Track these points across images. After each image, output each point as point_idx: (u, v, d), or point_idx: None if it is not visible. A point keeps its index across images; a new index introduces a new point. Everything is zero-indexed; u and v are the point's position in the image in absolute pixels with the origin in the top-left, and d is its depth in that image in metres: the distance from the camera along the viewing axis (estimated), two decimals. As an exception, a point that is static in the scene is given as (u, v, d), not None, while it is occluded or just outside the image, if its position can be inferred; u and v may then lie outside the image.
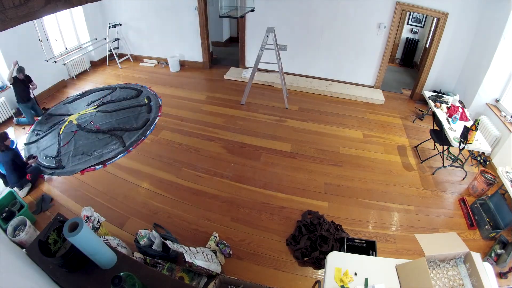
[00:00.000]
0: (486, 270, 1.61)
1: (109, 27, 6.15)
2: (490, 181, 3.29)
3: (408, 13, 6.85)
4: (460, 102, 4.32)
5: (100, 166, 3.66)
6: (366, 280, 1.71)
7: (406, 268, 1.71)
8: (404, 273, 1.70)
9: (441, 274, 1.66)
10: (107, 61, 6.55)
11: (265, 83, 5.85)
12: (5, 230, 2.58)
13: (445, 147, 3.77)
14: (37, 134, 4.21)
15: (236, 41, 6.95)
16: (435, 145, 4.13)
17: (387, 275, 1.77)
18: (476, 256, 1.65)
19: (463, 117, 3.91)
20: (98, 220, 2.71)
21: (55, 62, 5.16)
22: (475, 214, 3.15)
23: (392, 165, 3.90)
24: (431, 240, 1.75)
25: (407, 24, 7.20)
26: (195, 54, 6.40)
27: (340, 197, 3.34)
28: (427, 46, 6.50)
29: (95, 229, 2.63)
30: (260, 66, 4.78)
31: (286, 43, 4.87)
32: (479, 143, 3.46)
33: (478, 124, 3.64)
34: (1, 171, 3.32)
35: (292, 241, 2.77)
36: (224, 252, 2.64)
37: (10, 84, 4.26)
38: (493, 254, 2.71)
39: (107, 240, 2.48)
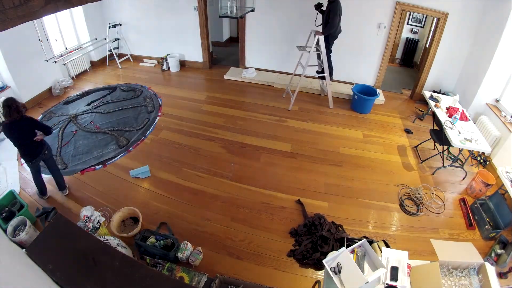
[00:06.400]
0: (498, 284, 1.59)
1: (109, 27, 6.15)
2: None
3: (408, 13, 6.83)
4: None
5: (100, 166, 3.66)
6: None
7: (419, 270, 1.71)
8: (416, 275, 1.70)
9: (453, 282, 1.65)
10: (107, 61, 6.55)
11: (265, 83, 5.85)
12: (5, 230, 2.58)
13: (445, 147, 3.77)
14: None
15: (236, 41, 6.94)
16: (435, 145, 4.13)
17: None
18: (490, 268, 1.64)
19: (463, 117, 3.90)
20: (98, 220, 2.71)
21: (55, 62, 5.16)
22: (475, 214, 3.15)
23: (392, 165, 3.90)
24: (446, 246, 1.75)
25: (407, 24, 7.19)
26: (195, 54, 6.39)
27: (340, 197, 3.34)
28: (427, 46, 6.49)
29: (95, 229, 2.63)
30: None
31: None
32: (479, 142, 3.46)
33: None
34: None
35: (293, 250, 2.74)
36: None
37: None
38: (493, 254, 2.71)
39: (107, 240, 2.48)
